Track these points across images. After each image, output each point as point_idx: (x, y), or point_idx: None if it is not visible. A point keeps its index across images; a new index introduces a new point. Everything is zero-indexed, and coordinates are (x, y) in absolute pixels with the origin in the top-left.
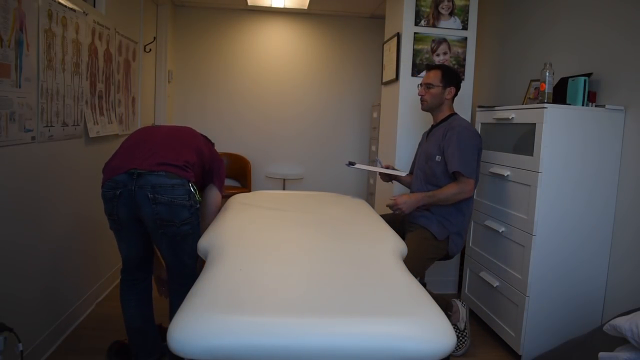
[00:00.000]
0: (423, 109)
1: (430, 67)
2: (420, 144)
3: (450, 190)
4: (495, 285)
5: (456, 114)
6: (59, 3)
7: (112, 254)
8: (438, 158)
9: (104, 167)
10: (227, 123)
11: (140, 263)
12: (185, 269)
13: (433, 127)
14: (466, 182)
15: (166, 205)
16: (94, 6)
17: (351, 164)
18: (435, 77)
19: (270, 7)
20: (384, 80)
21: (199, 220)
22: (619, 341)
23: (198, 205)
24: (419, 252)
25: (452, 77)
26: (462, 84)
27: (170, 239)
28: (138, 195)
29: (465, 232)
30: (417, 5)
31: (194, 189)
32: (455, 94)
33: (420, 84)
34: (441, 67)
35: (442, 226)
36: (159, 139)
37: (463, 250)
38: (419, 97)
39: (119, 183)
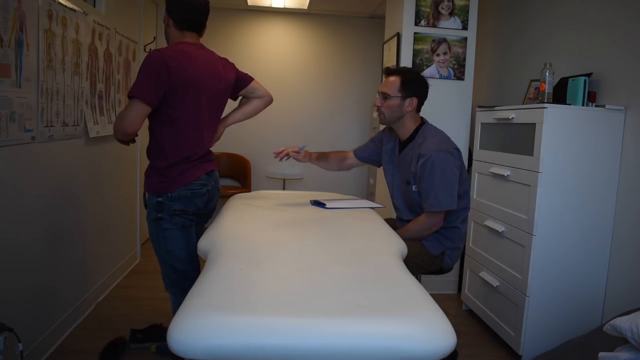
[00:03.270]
0: (381, 122)
1: (390, 71)
2: (381, 141)
3: (419, 226)
4: (495, 285)
5: (423, 124)
6: (59, 3)
7: (112, 254)
8: (415, 188)
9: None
10: None
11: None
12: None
13: (401, 142)
14: (437, 215)
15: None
16: (94, 6)
17: (318, 204)
18: (393, 85)
19: (270, 7)
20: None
21: None
22: (619, 341)
23: None
24: (409, 261)
25: (413, 85)
26: (462, 84)
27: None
28: (215, 190)
29: (462, 243)
30: (417, 5)
31: None
32: (420, 104)
33: (378, 91)
34: (402, 72)
35: (438, 241)
36: (206, 121)
37: (463, 250)
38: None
39: (204, 181)
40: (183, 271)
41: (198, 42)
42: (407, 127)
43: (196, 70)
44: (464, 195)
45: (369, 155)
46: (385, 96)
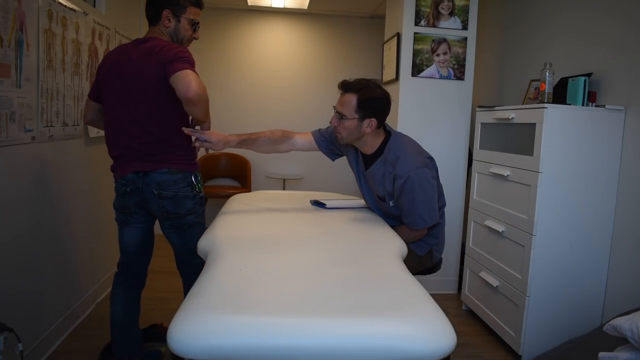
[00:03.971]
0: (339, 142)
1: (346, 87)
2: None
3: (404, 236)
4: (495, 285)
5: (389, 136)
6: (59, 3)
7: (112, 253)
8: (392, 203)
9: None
10: (227, 123)
11: (139, 254)
12: (195, 259)
13: (364, 155)
14: (422, 230)
15: (171, 199)
16: (94, 6)
17: (318, 204)
18: (349, 104)
19: (270, 7)
20: (383, 80)
21: (203, 209)
22: (619, 341)
23: (201, 194)
24: None
25: (371, 105)
26: (462, 84)
27: (177, 229)
28: (145, 191)
29: (444, 235)
30: (417, 5)
31: (196, 180)
32: (380, 123)
33: (334, 107)
34: (359, 90)
35: (424, 242)
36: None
37: (463, 250)
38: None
39: (129, 181)
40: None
41: (152, 34)
42: (369, 145)
43: (107, 66)
44: (439, 195)
45: (327, 148)
46: (341, 116)
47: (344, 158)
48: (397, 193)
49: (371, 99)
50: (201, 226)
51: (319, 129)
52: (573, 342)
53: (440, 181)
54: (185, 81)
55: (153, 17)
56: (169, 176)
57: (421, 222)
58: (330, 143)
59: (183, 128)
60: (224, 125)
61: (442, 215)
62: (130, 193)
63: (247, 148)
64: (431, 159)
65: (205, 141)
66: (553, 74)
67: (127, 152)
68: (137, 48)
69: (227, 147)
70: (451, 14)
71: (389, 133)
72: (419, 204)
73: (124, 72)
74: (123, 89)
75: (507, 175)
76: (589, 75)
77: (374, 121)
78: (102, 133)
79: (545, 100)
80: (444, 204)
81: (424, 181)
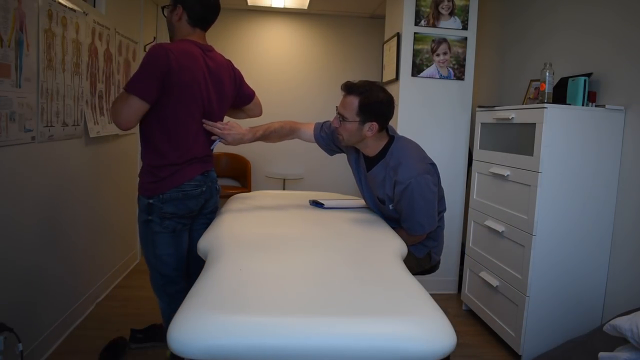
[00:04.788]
0: (341, 143)
1: (349, 89)
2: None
3: (403, 239)
4: (495, 285)
5: (392, 140)
6: (59, 3)
7: (112, 254)
8: (391, 207)
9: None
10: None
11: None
12: None
13: (366, 157)
14: (421, 235)
15: (218, 194)
16: (94, 6)
17: (317, 204)
18: (350, 106)
19: (270, 7)
20: (383, 80)
21: None
22: (619, 341)
23: None
24: None
25: (373, 109)
26: (462, 84)
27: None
28: (212, 191)
29: (443, 237)
30: (417, 5)
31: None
32: (382, 127)
33: (337, 109)
34: (362, 92)
35: (422, 245)
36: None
37: (463, 250)
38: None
39: (200, 182)
40: (169, 276)
41: (205, 41)
42: (371, 148)
43: (197, 74)
44: (440, 200)
45: (326, 145)
46: (342, 118)
47: (344, 157)
48: (397, 198)
49: (373, 102)
50: None
51: (322, 124)
52: (573, 342)
53: (441, 182)
54: (259, 104)
55: (211, 24)
56: (215, 174)
57: (419, 228)
58: (329, 140)
59: (204, 121)
60: None
61: (441, 218)
62: (204, 193)
63: (261, 140)
64: (433, 165)
65: (222, 139)
66: (553, 74)
67: (194, 158)
68: (209, 57)
69: (240, 144)
70: (451, 14)
71: (392, 137)
72: (418, 211)
73: (205, 81)
74: (204, 97)
75: (507, 175)
76: (589, 75)
77: (375, 125)
78: (102, 133)
79: (545, 100)
80: (444, 209)
81: (425, 188)
